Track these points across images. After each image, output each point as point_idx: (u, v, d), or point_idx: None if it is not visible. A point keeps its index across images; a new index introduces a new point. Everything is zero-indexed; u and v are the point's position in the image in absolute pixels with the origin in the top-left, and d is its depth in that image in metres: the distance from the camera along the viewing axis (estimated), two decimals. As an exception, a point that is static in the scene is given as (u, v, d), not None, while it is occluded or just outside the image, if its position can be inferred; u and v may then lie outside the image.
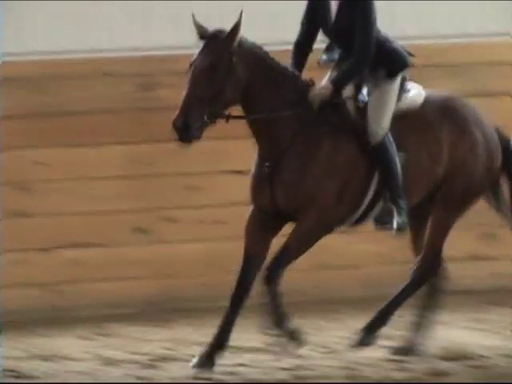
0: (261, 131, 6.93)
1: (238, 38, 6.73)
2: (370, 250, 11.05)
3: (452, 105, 7.43)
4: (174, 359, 7.77)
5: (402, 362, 7.05)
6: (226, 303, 6.94)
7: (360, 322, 7.81)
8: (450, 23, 12.04)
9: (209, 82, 6.69)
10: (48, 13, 11.15)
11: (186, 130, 6.57)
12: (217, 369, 7.11)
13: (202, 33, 6.74)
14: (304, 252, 7.02)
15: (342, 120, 7.00)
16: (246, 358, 7.71)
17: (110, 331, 9.56)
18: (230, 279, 7.22)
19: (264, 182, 6.89)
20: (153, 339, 8.86)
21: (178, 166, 10.97)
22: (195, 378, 6.68)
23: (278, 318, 6.91)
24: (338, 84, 6.95)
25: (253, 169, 7.04)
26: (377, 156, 6.96)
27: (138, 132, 11.25)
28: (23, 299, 11.08)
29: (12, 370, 7.74)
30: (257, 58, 6.89)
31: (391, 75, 7.06)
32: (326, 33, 7.19)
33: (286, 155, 6.91)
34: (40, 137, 11.00)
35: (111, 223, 11.06)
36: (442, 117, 7.28)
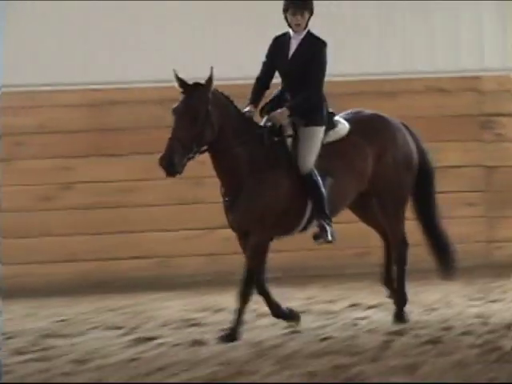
0: (222, 163, 7.72)
1: (211, 89, 7.52)
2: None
3: (375, 126, 8.28)
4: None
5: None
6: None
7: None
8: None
9: (191, 126, 7.44)
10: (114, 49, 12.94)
11: (171, 166, 7.34)
12: (339, 322, 8.65)
13: (183, 85, 7.52)
14: (259, 265, 8.09)
15: (283, 154, 7.83)
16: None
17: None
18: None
19: (227, 211, 7.81)
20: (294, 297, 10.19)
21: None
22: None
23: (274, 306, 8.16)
24: (292, 110, 7.76)
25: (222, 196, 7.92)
26: (306, 184, 7.80)
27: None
28: (194, 265, 13.19)
29: (190, 319, 9.27)
30: (226, 105, 7.69)
31: (318, 124, 7.88)
32: (281, 71, 7.99)
33: (242, 187, 7.74)
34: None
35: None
36: (366, 138, 8.05)
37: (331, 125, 7.84)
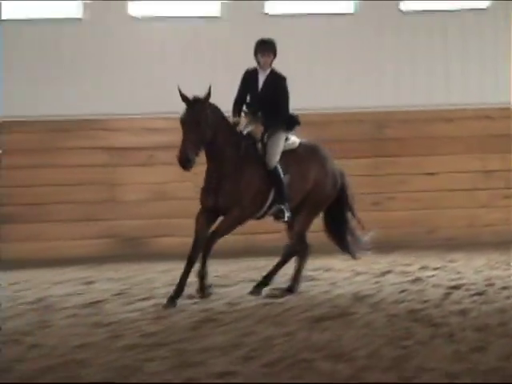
0: (214, 158, 7.66)
1: (208, 102, 7.52)
2: None
3: (315, 148, 8.26)
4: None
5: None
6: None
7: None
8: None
9: (197, 130, 7.44)
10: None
11: (187, 162, 7.32)
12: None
13: (186, 99, 7.48)
14: (229, 233, 7.86)
15: (255, 154, 7.86)
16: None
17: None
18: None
19: (211, 191, 7.67)
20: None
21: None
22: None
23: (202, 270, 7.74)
24: (267, 126, 7.89)
25: (203, 184, 7.82)
26: (272, 176, 7.82)
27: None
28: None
29: (307, 276, 8.93)
30: (219, 115, 7.69)
31: (285, 130, 7.99)
32: (252, 97, 8.02)
33: (227, 176, 7.68)
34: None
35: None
36: (309, 155, 8.11)
37: (286, 138, 7.97)
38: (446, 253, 11.38)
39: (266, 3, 12.66)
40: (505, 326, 6.30)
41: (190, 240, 9.72)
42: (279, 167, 7.81)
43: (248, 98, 8.06)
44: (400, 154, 12.79)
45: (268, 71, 7.97)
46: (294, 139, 8.05)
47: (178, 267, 8.20)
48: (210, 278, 8.38)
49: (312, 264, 9.40)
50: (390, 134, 12.75)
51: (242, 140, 7.79)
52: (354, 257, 8.67)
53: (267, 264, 9.05)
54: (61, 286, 9.18)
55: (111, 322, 6.93)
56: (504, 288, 8.11)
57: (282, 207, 7.81)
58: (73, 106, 12.21)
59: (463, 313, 6.84)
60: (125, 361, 5.44)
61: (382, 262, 10.47)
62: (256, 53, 7.91)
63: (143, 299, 8.08)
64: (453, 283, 8.53)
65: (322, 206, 8.26)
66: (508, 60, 12.75)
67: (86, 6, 12.36)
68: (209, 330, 6.45)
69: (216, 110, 7.63)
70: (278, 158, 7.84)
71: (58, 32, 12.52)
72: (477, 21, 12.98)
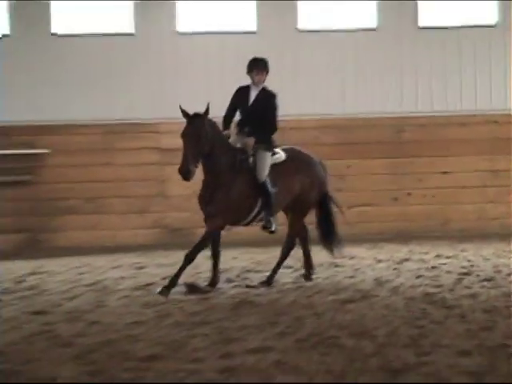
0: (210, 169, 7.39)
1: (207, 118, 7.27)
2: None
3: (301, 158, 8.01)
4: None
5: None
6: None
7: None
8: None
9: (196, 144, 7.17)
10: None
11: (188, 173, 7.10)
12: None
13: (186, 115, 7.24)
14: (212, 237, 7.57)
15: (247, 167, 7.55)
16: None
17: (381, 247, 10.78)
18: None
19: (205, 200, 7.47)
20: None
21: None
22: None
23: (175, 279, 7.33)
24: (257, 140, 7.58)
25: (199, 193, 7.56)
26: (261, 189, 7.54)
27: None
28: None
29: (332, 263, 8.93)
30: (216, 129, 7.46)
31: (269, 150, 7.67)
32: (243, 112, 7.73)
33: (221, 187, 7.41)
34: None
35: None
36: (295, 167, 7.83)
37: (273, 153, 7.71)
38: (458, 243, 11.27)
39: (299, 20, 12.69)
40: (510, 308, 6.25)
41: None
42: (268, 181, 7.56)
43: (238, 113, 7.82)
44: (417, 155, 12.77)
45: (260, 88, 7.72)
46: (281, 154, 7.78)
47: (221, 252, 7.80)
48: (248, 264, 8.75)
49: (338, 252, 9.14)
50: (408, 137, 12.75)
51: (236, 154, 7.54)
52: (332, 253, 8.46)
53: (299, 251, 8.56)
54: (115, 271, 9.23)
55: (160, 302, 6.92)
56: (510, 274, 8.06)
57: (270, 218, 7.58)
58: (126, 111, 12.30)
59: (473, 296, 6.82)
60: (172, 337, 5.46)
61: (401, 251, 10.45)
62: (251, 70, 7.68)
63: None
64: (464, 270, 8.48)
65: (308, 210, 8.06)
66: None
67: (137, 22, 12.44)
68: (246, 310, 6.44)
69: (214, 125, 7.41)
70: (267, 171, 7.58)
71: (110, 45, 12.53)
72: (486, 36, 12.85)
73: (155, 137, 12.35)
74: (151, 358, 4.80)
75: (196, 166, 7.19)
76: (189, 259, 7.35)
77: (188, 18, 12.68)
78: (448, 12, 12.91)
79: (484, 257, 9.64)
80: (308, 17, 12.80)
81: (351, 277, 8.17)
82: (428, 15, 12.90)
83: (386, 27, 12.81)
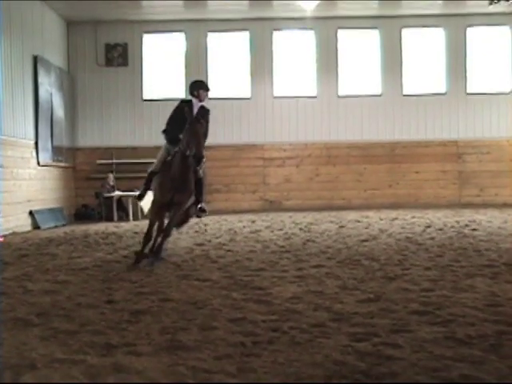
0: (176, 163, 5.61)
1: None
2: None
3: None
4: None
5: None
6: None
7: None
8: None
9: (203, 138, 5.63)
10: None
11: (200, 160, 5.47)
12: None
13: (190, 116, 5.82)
14: (176, 223, 5.79)
15: (191, 163, 5.50)
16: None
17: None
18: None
19: (169, 189, 5.37)
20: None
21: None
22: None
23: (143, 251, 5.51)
24: (198, 152, 5.36)
25: (160, 181, 5.56)
26: (199, 182, 5.64)
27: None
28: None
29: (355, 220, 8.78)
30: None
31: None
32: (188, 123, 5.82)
33: (180, 175, 5.41)
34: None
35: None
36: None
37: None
38: (423, 210, 10.56)
39: (340, 88, 12.64)
40: (452, 244, 5.97)
41: (298, 202, 10.18)
42: (203, 176, 5.89)
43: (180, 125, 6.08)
44: (403, 162, 11.80)
45: (200, 104, 5.93)
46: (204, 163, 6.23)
47: (296, 214, 7.48)
48: (290, 224, 8.09)
49: (359, 214, 9.24)
50: (398, 153, 12.26)
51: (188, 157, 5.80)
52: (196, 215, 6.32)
53: (338, 214, 8.56)
54: (240, 224, 9.37)
55: (265, 239, 6.58)
56: (451, 227, 7.52)
57: (203, 205, 5.87)
58: (246, 137, 12.22)
59: (432, 238, 6.46)
60: (270, 258, 5.23)
61: (393, 214, 10.29)
62: (198, 89, 5.89)
63: (279, 229, 8.12)
64: (427, 224, 8.08)
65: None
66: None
67: (252, 89, 12.08)
68: (311, 245, 6.23)
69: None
70: (202, 171, 5.85)
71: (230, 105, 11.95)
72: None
73: (261, 152, 12.27)
74: (259, 270, 4.61)
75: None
76: (166, 236, 5.73)
77: (279, 86, 12.13)
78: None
79: (438, 217, 9.51)
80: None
81: (366, 228, 8.02)
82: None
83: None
